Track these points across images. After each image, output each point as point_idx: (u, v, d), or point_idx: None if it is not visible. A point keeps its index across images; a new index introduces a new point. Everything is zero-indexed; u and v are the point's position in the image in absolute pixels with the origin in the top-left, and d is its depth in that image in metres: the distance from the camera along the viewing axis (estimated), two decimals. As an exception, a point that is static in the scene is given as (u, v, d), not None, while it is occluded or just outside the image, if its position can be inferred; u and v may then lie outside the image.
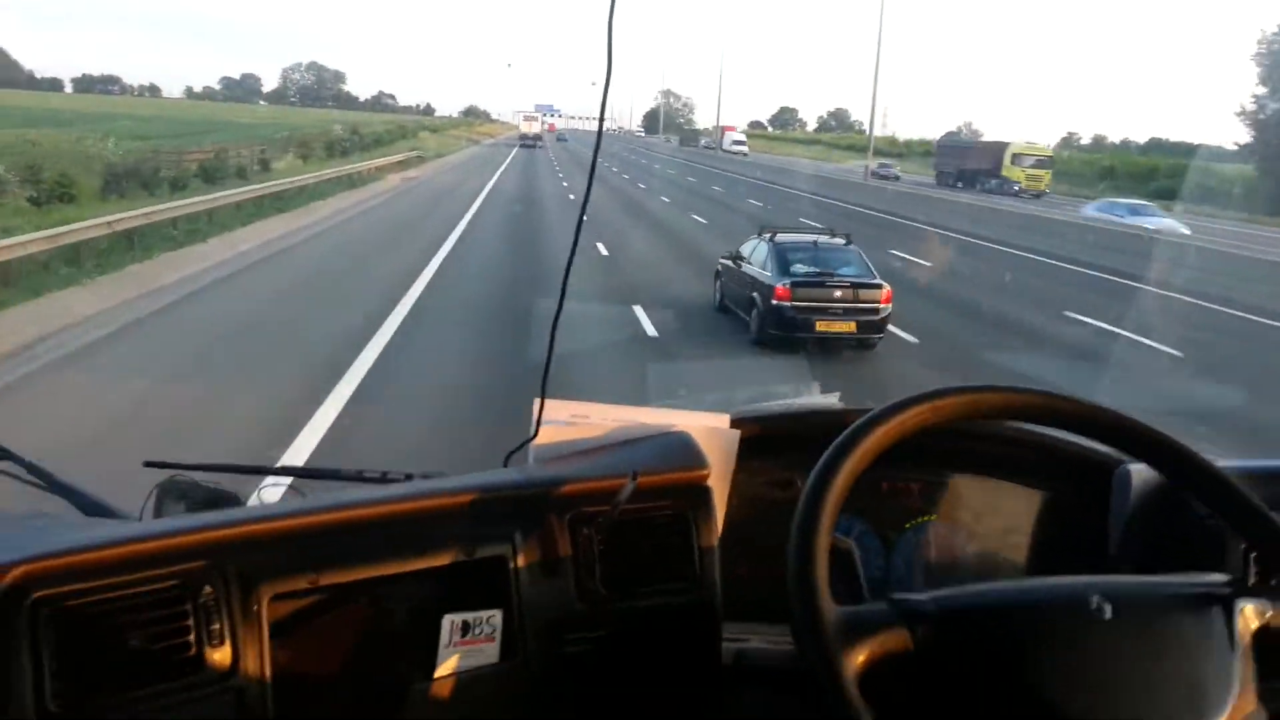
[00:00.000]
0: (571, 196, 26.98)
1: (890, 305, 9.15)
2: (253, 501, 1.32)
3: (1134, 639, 0.82)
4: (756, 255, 9.85)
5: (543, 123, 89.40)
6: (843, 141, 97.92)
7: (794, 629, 0.80)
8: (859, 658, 0.78)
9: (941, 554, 1.36)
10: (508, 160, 49.39)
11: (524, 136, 73.61)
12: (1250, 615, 0.86)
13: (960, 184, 45.58)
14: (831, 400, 1.46)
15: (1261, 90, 43.90)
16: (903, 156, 71.09)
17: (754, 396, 1.48)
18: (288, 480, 1.43)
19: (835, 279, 9.20)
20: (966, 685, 0.80)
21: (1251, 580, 0.91)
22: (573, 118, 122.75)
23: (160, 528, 0.89)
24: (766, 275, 9.33)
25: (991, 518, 1.37)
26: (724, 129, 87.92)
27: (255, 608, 0.87)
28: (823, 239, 10.12)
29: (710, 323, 10.56)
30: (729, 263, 10.55)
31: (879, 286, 9.13)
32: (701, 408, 1.41)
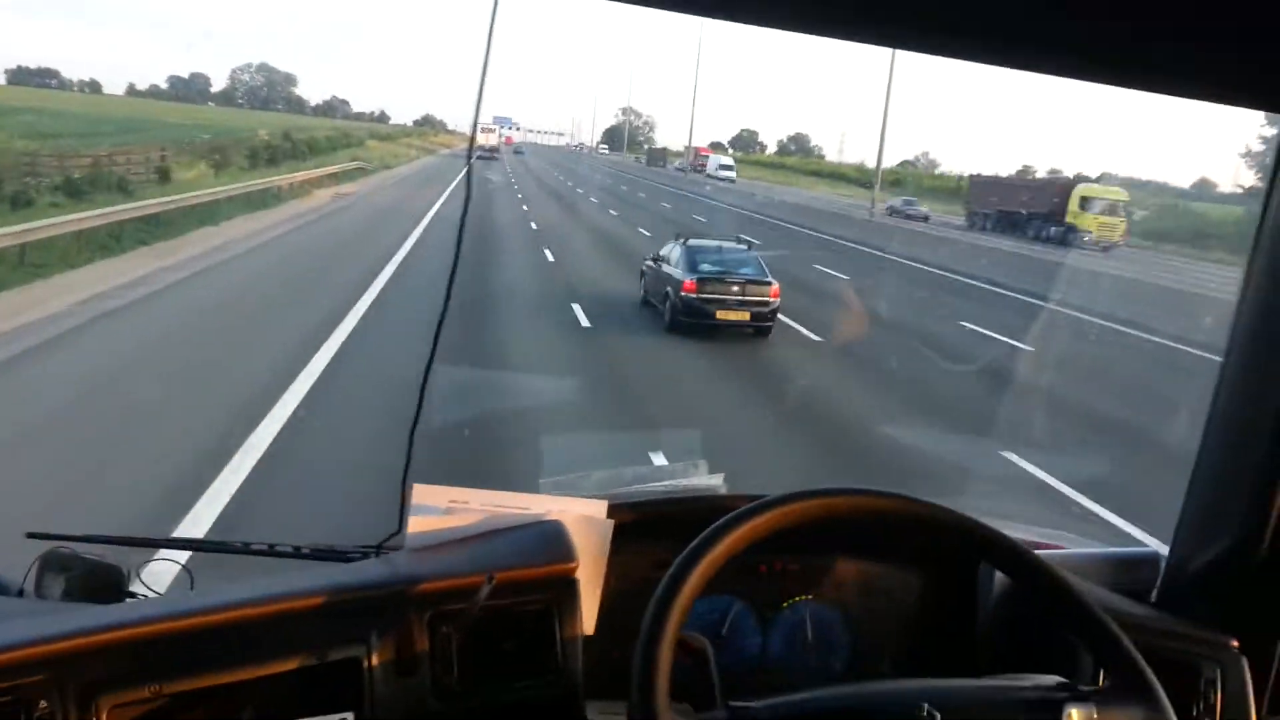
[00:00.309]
0: (534, 225, 22.29)
1: (779, 300, 11.12)
2: (140, 575, 1.33)
3: None
4: (672, 256, 11.69)
5: (500, 135, 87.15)
6: (808, 167, 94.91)
7: None
8: None
9: (818, 634, 1.39)
10: (461, 174, 40.57)
11: (480, 148, 69.78)
12: (1075, 718, 0.89)
13: (993, 227, 37.44)
14: (715, 481, 1.51)
15: (1270, 131, 36.97)
16: (868, 187, 67.55)
17: (641, 475, 1.53)
18: (177, 553, 1.43)
19: (734, 276, 11.05)
20: None
21: (1088, 682, 0.95)
22: (531, 131, 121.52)
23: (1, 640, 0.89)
24: (678, 272, 11.16)
25: (869, 599, 1.40)
26: (698, 150, 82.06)
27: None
28: (726, 244, 12.11)
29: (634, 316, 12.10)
30: (651, 263, 12.37)
31: (769, 283, 11.13)
32: (588, 485, 1.45)
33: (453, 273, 1.34)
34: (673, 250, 11.80)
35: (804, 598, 1.40)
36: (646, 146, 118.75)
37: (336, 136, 52.11)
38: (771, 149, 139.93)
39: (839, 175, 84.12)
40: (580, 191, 42.59)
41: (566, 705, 1.09)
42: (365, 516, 1.30)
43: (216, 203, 18.84)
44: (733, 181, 65.05)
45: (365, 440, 5.80)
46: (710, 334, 10.74)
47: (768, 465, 6.31)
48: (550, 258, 17.07)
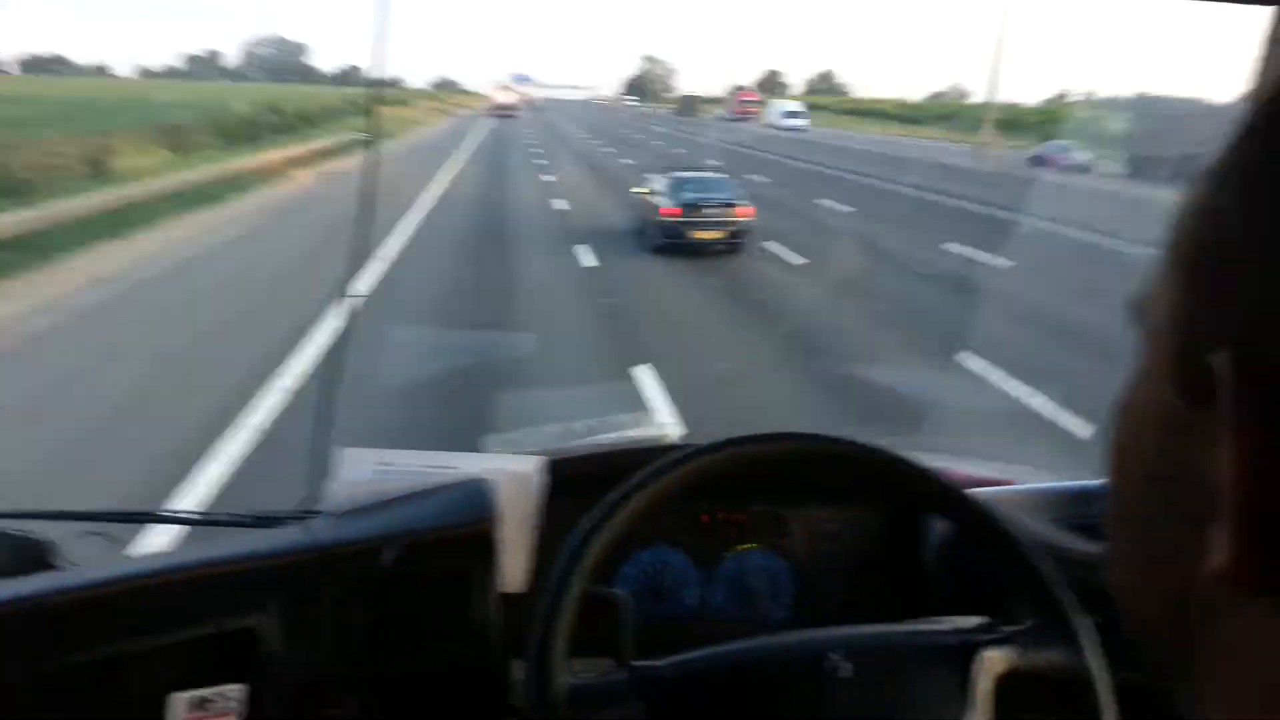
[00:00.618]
0: (559, 206, 15.89)
1: (751, 219, 12.56)
2: (65, 548, 1.31)
3: (871, 695, 0.82)
4: (658, 186, 13.08)
5: (518, 93, 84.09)
6: (844, 105, 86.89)
7: (527, 701, 0.80)
8: None
9: (762, 583, 1.36)
10: (474, 142, 35.76)
11: (497, 107, 64.57)
12: (995, 661, 0.87)
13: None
14: (665, 431, 1.48)
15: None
16: (915, 123, 61.67)
17: (591, 428, 1.50)
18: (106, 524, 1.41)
19: (709, 200, 12.39)
20: None
21: (1011, 623, 0.91)
22: (550, 86, 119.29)
23: None
24: (661, 200, 12.53)
25: (815, 545, 1.38)
26: (740, 93, 70.45)
27: None
28: (704, 173, 13.87)
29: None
30: (642, 192, 13.70)
31: (740, 205, 12.48)
32: (537, 441, 1.43)
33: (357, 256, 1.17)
34: (659, 182, 13.31)
35: (748, 546, 1.37)
36: (679, 95, 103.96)
37: (339, 105, 42.70)
38: (799, 89, 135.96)
39: (879, 113, 78.44)
40: (609, 150, 34.86)
41: (483, 666, 1.07)
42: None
43: (145, 202, 13.08)
44: (804, 131, 48.48)
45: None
46: (693, 254, 11.82)
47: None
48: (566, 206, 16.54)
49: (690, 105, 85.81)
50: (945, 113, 63.63)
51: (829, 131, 52.18)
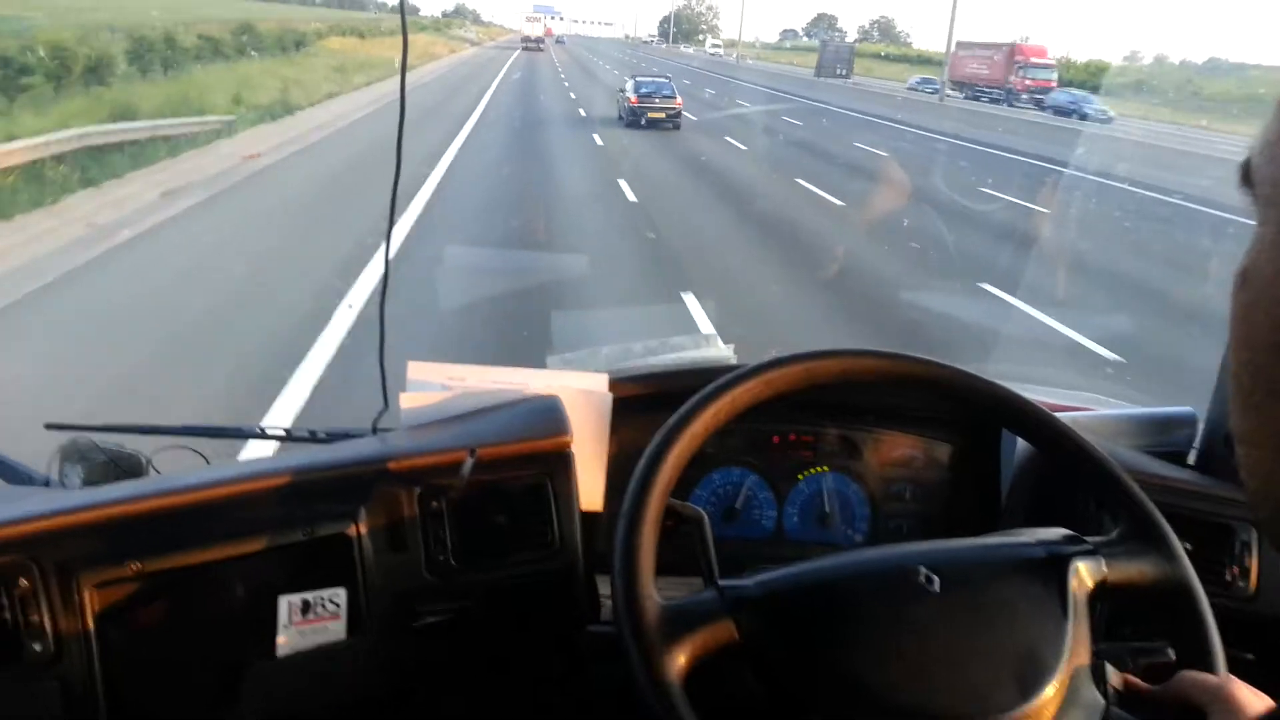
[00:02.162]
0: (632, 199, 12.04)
1: (680, 106, 21.20)
2: (156, 462, 1.37)
3: (963, 610, 0.81)
4: (627, 86, 22.00)
5: (543, 25, 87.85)
6: (909, 55, 78.84)
7: (616, 627, 0.79)
8: (682, 656, 0.77)
9: (836, 506, 1.37)
10: (495, 80, 33.10)
11: (526, 39, 74.34)
12: (1084, 574, 0.85)
13: None
14: (726, 352, 1.47)
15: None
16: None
17: (651, 349, 1.49)
18: (194, 439, 1.46)
19: (656, 93, 21.25)
20: (793, 669, 0.79)
21: (1099, 536, 0.90)
22: (576, 20, 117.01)
23: None
24: (629, 93, 21.52)
25: (889, 468, 1.37)
26: (1004, 52, 42.38)
27: (76, 598, 0.90)
28: (656, 78, 22.58)
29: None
30: (619, 92, 22.83)
31: (676, 97, 21.26)
32: (596, 361, 1.43)
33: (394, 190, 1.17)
34: (628, 83, 22.44)
35: (821, 469, 1.37)
36: (826, 42, 71.52)
37: (281, 33, 31.27)
38: (852, 36, 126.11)
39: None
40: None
41: (567, 579, 1.09)
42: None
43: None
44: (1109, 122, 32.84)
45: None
46: (649, 125, 20.51)
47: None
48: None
49: (840, 55, 62.27)
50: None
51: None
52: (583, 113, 24.13)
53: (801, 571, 0.85)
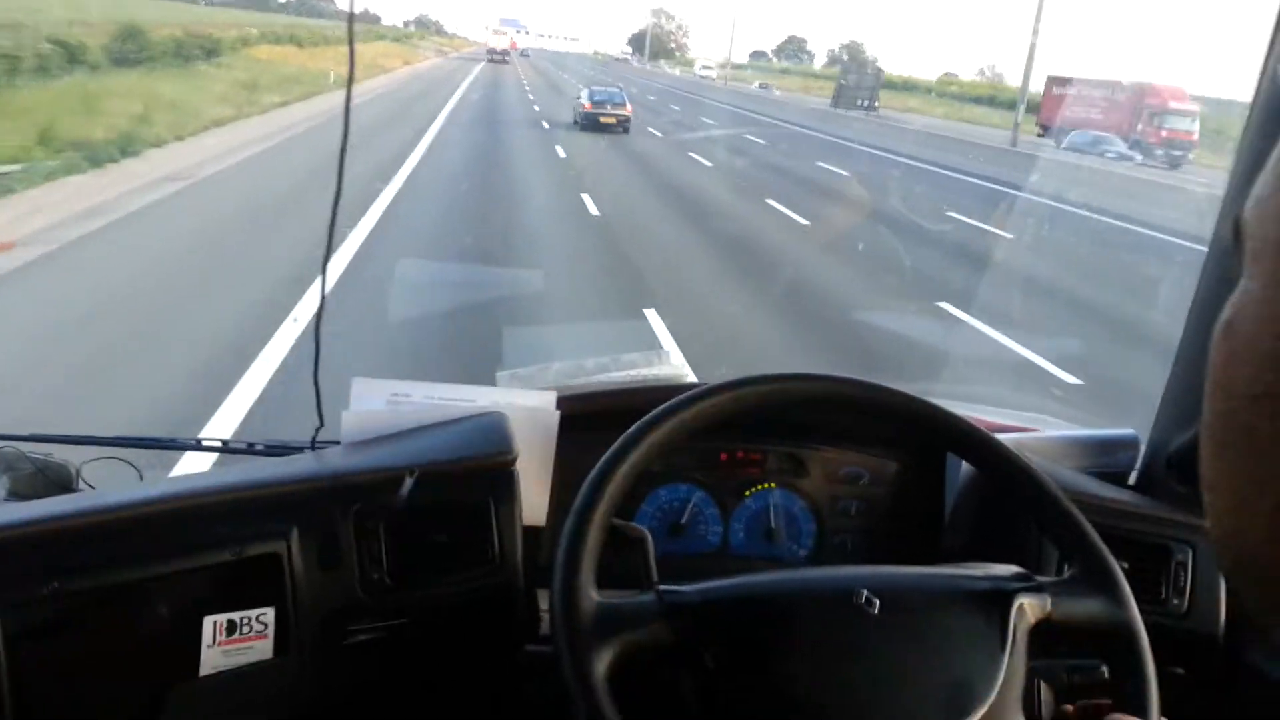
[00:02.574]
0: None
1: (629, 113, 23.85)
2: (85, 473, 1.32)
3: (900, 634, 0.81)
4: (582, 95, 25.07)
5: (510, 38, 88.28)
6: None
7: (551, 627, 0.80)
8: (611, 653, 0.77)
9: (781, 523, 1.37)
10: (449, 103, 27.46)
11: (491, 51, 73.50)
12: (1028, 610, 0.86)
13: None
14: (679, 370, 1.47)
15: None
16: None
17: (603, 365, 1.49)
18: (127, 449, 1.41)
19: (608, 101, 24.03)
20: (725, 677, 0.79)
21: (1053, 574, 0.92)
22: (541, 35, 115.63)
23: None
24: (582, 100, 24.43)
25: (836, 486, 1.38)
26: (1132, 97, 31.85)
27: None
28: (609, 87, 26.44)
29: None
30: (575, 99, 25.74)
31: (626, 105, 24.03)
32: (546, 377, 1.42)
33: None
34: (582, 91, 25.77)
35: (767, 486, 1.37)
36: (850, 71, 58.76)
37: (184, 39, 25.82)
38: (821, 60, 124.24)
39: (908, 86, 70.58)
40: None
41: (506, 594, 1.08)
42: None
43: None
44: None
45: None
46: (600, 129, 22.59)
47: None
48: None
49: (862, 89, 51.95)
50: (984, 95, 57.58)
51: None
52: (562, 153, 18.23)
53: (743, 583, 0.86)
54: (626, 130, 23.16)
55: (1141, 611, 0.88)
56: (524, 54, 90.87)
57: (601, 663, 0.76)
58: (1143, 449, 1.39)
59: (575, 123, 23.83)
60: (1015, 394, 5.78)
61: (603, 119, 23.07)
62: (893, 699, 0.78)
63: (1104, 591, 0.89)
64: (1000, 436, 1.00)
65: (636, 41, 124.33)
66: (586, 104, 23.70)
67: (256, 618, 0.96)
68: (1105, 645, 0.90)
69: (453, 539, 1.06)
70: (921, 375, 6.20)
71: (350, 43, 1.15)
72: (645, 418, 0.90)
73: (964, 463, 1.29)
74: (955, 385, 5.63)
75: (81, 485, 1.30)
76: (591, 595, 0.80)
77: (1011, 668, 0.82)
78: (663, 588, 0.83)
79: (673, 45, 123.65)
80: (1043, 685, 0.86)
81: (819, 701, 0.77)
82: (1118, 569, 0.90)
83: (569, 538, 0.83)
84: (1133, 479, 1.39)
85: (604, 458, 0.88)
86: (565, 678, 0.76)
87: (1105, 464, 1.39)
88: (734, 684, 0.79)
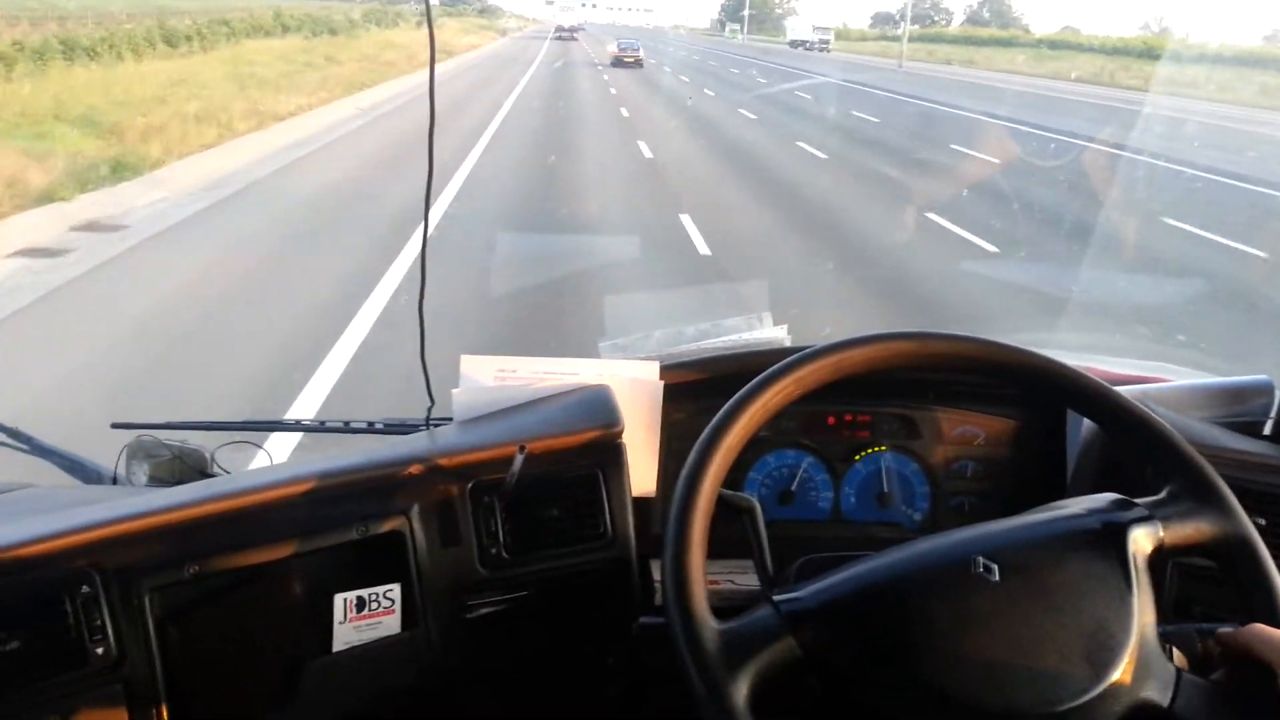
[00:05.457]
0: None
1: (642, 56, 38.27)
2: (218, 456, 1.40)
3: (1025, 596, 0.79)
4: (613, 45, 41.09)
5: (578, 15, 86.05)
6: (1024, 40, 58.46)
7: (676, 654, 0.78)
8: (746, 682, 0.76)
9: (894, 486, 1.35)
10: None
11: (560, 29, 74.21)
12: (1142, 541, 0.83)
13: None
14: (779, 334, 1.45)
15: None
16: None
17: (704, 331, 1.48)
18: (259, 434, 1.49)
19: (629, 47, 38.64)
20: (860, 680, 0.77)
21: (1148, 498, 0.88)
22: (610, 9, 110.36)
23: (37, 532, 0.93)
24: (611, 48, 40.97)
25: (948, 447, 1.35)
26: None
27: (137, 602, 0.92)
28: (630, 39, 42.43)
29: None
30: (611, 49, 41.15)
31: (640, 50, 38.61)
32: (648, 346, 1.42)
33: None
34: (612, 43, 42.34)
35: (878, 449, 1.35)
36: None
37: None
38: (959, 19, 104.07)
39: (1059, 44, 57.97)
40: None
41: (620, 569, 1.09)
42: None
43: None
44: None
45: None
46: (625, 66, 34.78)
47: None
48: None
49: None
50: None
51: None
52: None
53: (855, 575, 0.83)
54: (640, 64, 36.86)
55: None
56: (575, 33, 69.98)
57: (739, 695, 0.75)
58: (1278, 396, 1.31)
59: (610, 62, 37.79)
60: (1139, 343, 5.50)
61: (625, 60, 36.93)
62: (1033, 666, 0.75)
63: (1209, 505, 0.85)
64: (1124, 389, 0.96)
65: (731, 9, 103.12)
66: (615, 50, 38.56)
67: (384, 594, 1.00)
68: (1226, 566, 0.85)
69: (565, 512, 1.08)
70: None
71: (429, 25, 1.17)
72: (749, 385, 0.89)
73: (1085, 419, 1.24)
74: (1072, 335, 5.41)
75: (216, 469, 1.37)
76: (711, 624, 0.78)
77: (1142, 605, 0.79)
78: (778, 598, 0.81)
79: (779, 11, 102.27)
80: (1175, 652, 0.81)
81: (959, 683, 0.74)
82: (1218, 479, 0.86)
83: (678, 510, 0.82)
84: (1268, 429, 1.30)
85: (709, 427, 0.87)
86: (708, 718, 0.75)
87: (1238, 413, 1.31)
88: (869, 682, 0.77)
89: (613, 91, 25.00)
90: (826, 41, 59.47)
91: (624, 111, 20.07)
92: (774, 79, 35.63)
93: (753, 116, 20.81)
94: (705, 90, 27.59)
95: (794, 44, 62.25)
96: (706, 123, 18.96)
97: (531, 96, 22.36)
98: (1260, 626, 0.78)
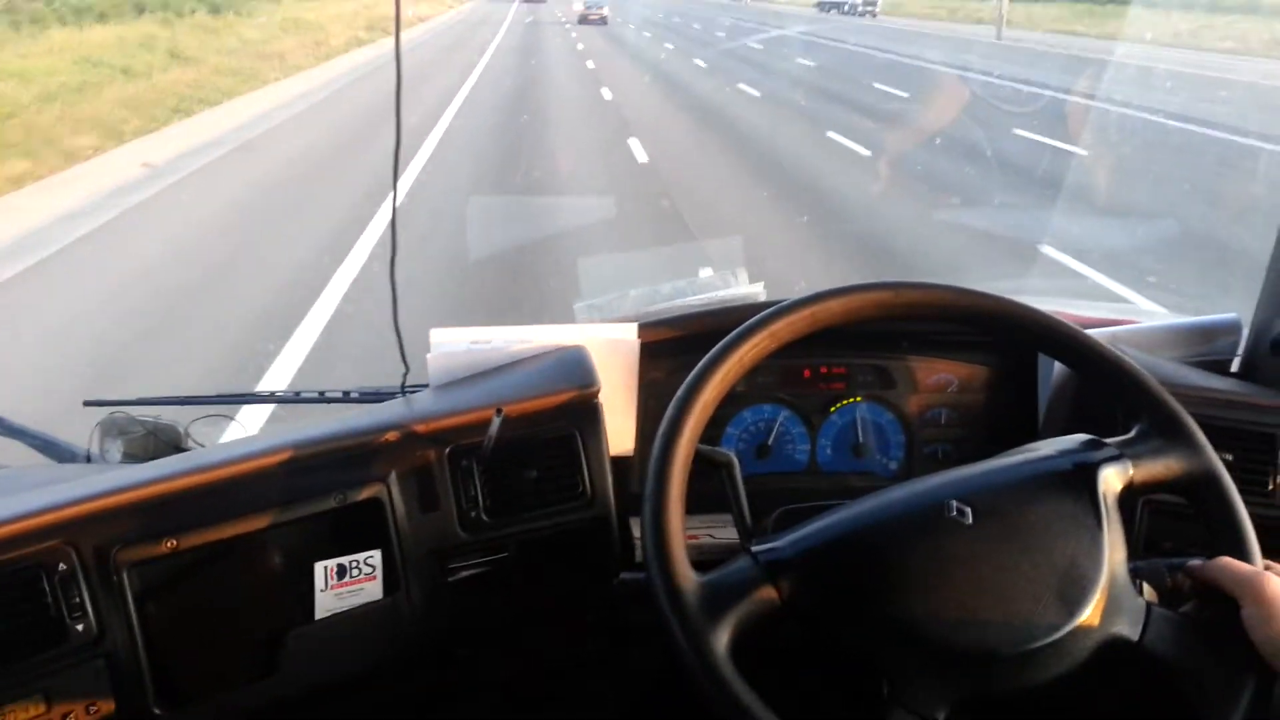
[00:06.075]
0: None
1: (607, 13, 39.59)
2: (193, 430, 1.39)
3: (998, 538, 0.80)
4: (579, 4, 40.51)
5: None
6: None
7: (657, 607, 0.79)
8: (727, 632, 0.77)
9: (870, 436, 1.36)
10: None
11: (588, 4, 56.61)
12: (1112, 479, 0.85)
13: None
14: (755, 289, 1.45)
15: None
16: None
17: (679, 289, 1.48)
18: (233, 406, 1.48)
19: (595, 6, 39.23)
20: (839, 625, 0.79)
21: (1118, 437, 0.89)
22: None
23: (11, 512, 0.92)
24: (578, 6, 40.93)
25: (922, 395, 1.36)
26: None
27: (115, 578, 0.92)
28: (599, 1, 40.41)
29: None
30: (579, 8, 40.03)
31: (604, 8, 39.44)
32: (624, 306, 1.42)
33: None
34: (577, 3, 40.43)
35: (854, 399, 1.36)
36: None
37: None
38: None
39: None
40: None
41: (600, 527, 1.10)
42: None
43: None
44: None
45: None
46: (591, 24, 36.97)
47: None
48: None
49: None
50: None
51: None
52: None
53: (831, 523, 0.85)
54: (605, 21, 38.13)
55: (1248, 505, 0.85)
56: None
57: (720, 644, 0.76)
58: (1245, 333, 1.33)
59: (578, 19, 38.90)
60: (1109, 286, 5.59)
61: (591, 17, 38.07)
62: (1007, 605, 0.77)
63: (1178, 441, 0.87)
64: (1095, 332, 0.96)
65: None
66: (583, 10, 38.98)
67: (364, 560, 1.00)
68: (1195, 501, 0.87)
69: (544, 474, 1.08)
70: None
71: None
72: (723, 341, 0.89)
73: (1056, 362, 1.25)
74: (1044, 280, 5.48)
75: (190, 444, 1.37)
76: (690, 576, 0.79)
77: (1112, 542, 0.81)
78: (756, 549, 0.83)
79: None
80: (1145, 586, 0.83)
81: (935, 624, 0.76)
82: (1187, 416, 0.88)
83: (655, 467, 0.83)
84: (1235, 365, 1.33)
85: (685, 384, 0.87)
86: (690, 668, 0.76)
87: (1206, 352, 1.33)
88: (847, 627, 0.78)
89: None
90: (874, 2, 42.10)
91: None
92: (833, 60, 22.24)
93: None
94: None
95: (823, 6, 45.38)
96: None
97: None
98: (1227, 559, 0.81)
